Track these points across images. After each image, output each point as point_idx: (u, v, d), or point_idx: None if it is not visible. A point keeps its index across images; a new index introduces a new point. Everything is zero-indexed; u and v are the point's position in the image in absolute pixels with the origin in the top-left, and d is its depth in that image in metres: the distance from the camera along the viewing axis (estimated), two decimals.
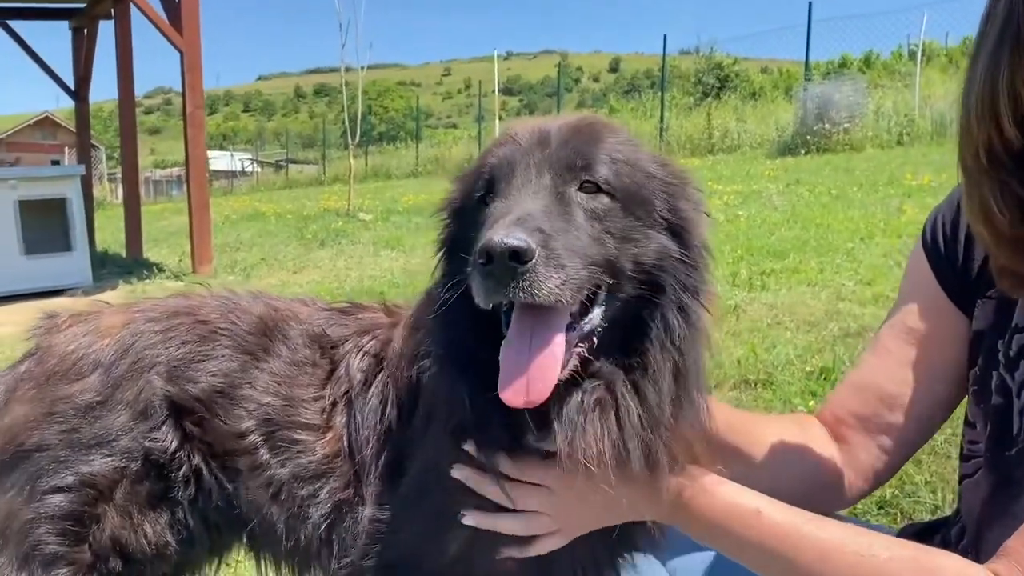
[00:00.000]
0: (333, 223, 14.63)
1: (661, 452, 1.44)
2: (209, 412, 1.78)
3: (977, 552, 1.46)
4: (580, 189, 1.41)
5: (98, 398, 1.76)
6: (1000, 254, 1.47)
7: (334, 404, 1.72)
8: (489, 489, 1.52)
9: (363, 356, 1.73)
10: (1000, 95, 1.35)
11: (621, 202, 1.42)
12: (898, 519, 3.15)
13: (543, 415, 1.39)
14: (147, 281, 10.60)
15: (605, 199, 1.41)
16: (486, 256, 1.22)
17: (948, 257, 1.75)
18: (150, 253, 13.47)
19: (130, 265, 12.20)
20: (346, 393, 1.72)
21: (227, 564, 3.02)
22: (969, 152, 1.44)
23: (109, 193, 37.79)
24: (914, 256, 1.84)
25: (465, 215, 1.51)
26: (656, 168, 1.49)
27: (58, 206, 10.66)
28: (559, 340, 1.34)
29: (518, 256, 1.22)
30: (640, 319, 1.43)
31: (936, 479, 3.36)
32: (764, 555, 1.47)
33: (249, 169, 60.76)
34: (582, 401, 1.40)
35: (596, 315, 1.40)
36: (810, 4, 21.66)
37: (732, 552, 1.54)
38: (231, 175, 55.66)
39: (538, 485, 1.52)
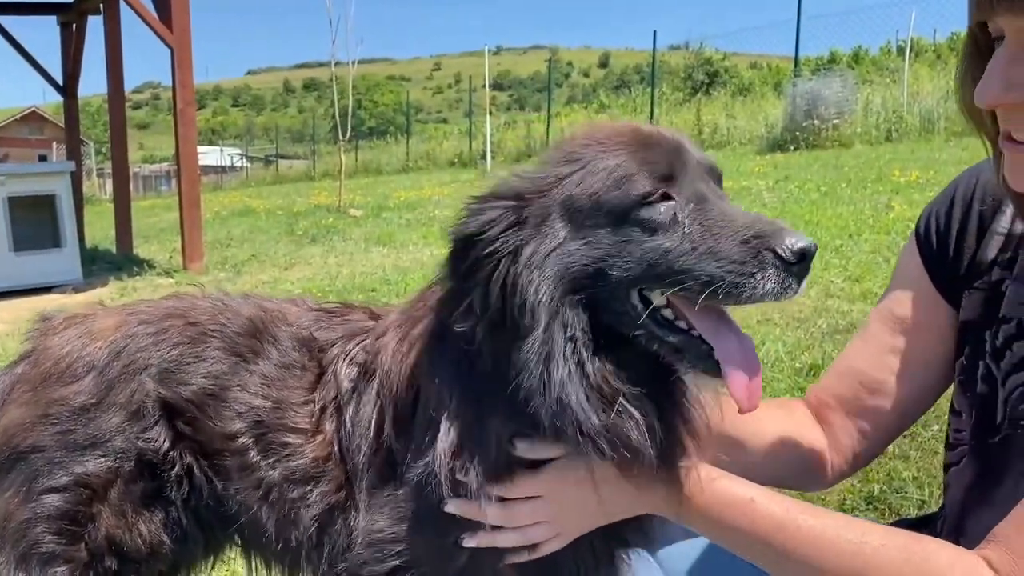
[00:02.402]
0: (324, 219, 14.60)
1: (688, 449, 1.50)
2: (200, 413, 1.78)
3: (958, 538, 1.49)
4: None
5: (92, 400, 1.78)
6: None
7: (323, 409, 1.72)
8: (484, 514, 1.53)
9: (350, 363, 1.72)
10: (970, 103, 1.44)
11: None
12: (886, 514, 3.19)
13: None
14: (137, 278, 10.55)
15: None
16: (802, 256, 1.32)
17: (939, 249, 1.79)
18: (140, 249, 13.41)
19: (120, 261, 12.14)
20: (335, 398, 1.71)
21: (223, 562, 3.05)
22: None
23: (98, 189, 37.61)
24: (907, 248, 1.89)
25: (599, 217, 1.41)
26: None
27: (47, 203, 10.58)
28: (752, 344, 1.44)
29: (814, 255, 1.35)
30: None
31: (924, 475, 3.41)
32: (757, 544, 1.50)
33: (239, 164, 60.53)
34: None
35: None
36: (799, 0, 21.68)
37: (725, 541, 1.56)
38: (220, 170, 55.46)
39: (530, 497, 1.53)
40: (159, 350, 1.81)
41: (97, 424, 1.77)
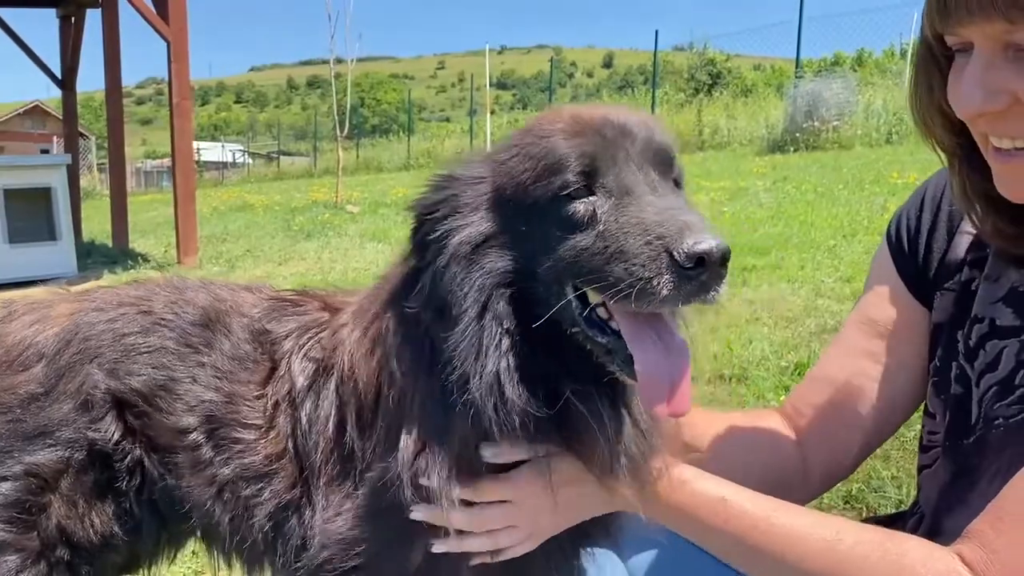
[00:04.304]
0: (320, 215, 14.58)
1: (656, 454, 1.47)
2: (150, 406, 1.75)
3: (935, 539, 1.47)
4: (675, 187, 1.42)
5: (40, 389, 1.75)
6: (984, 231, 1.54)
7: (276, 404, 1.68)
8: (451, 520, 1.49)
9: (304, 359, 1.68)
10: (927, 113, 1.48)
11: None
12: (863, 513, 3.16)
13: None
14: (132, 271, 10.53)
15: (681, 194, 1.44)
16: (700, 262, 1.20)
17: (910, 251, 1.78)
18: (137, 243, 13.39)
19: (115, 255, 12.12)
20: (288, 393, 1.67)
21: (194, 553, 3.03)
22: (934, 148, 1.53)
23: (99, 183, 37.53)
24: (879, 252, 1.88)
25: (524, 209, 1.38)
26: None
27: (43, 195, 10.58)
28: (687, 347, 1.35)
29: (727, 260, 1.23)
30: None
31: (903, 474, 3.38)
32: (731, 543, 1.49)
33: (240, 160, 60.55)
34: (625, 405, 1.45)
35: None
36: (801, 1, 21.64)
37: (699, 539, 1.55)
38: (222, 166, 55.47)
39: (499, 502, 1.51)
40: (110, 339, 1.79)
41: (47, 414, 1.75)
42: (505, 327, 1.37)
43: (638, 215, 1.29)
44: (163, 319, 1.80)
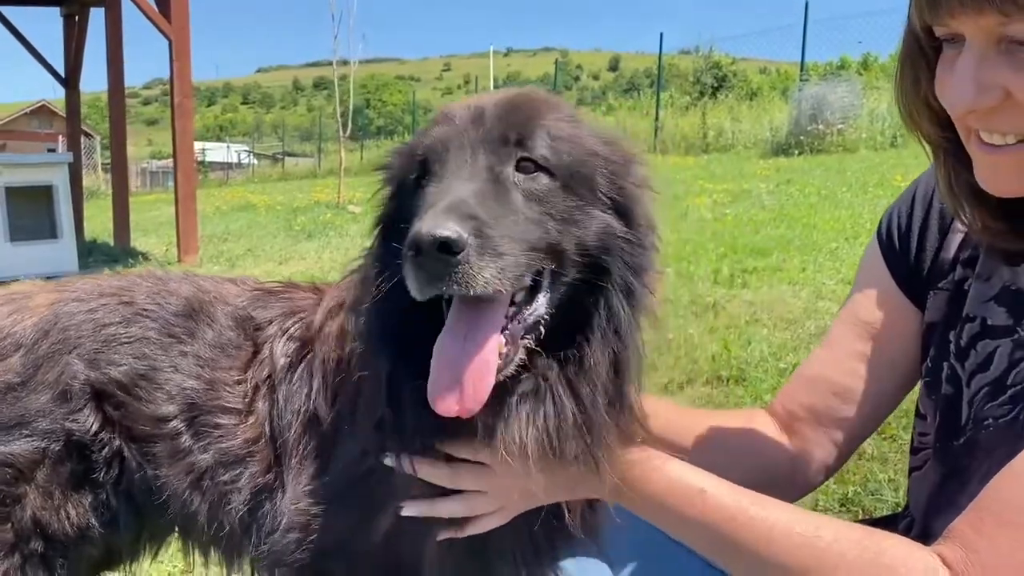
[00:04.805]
0: (322, 215, 14.59)
1: (597, 448, 1.40)
2: (130, 396, 1.74)
3: (926, 542, 1.44)
4: (518, 169, 1.35)
5: (18, 379, 1.73)
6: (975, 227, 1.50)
7: (256, 388, 1.68)
8: (428, 471, 1.47)
9: (287, 340, 1.69)
10: (913, 106, 1.46)
11: (561, 181, 1.36)
12: (859, 516, 3.13)
13: None
14: (132, 269, 10.55)
15: (544, 178, 1.35)
16: (415, 248, 1.17)
17: (902, 250, 1.75)
18: (138, 242, 13.42)
19: (117, 254, 12.15)
20: (268, 377, 1.68)
21: (177, 552, 3.00)
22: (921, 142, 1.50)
23: (104, 183, 37.60)
24: (869, 250, 1.85)
25: (403, 195, 1.46)
26: (599, 145, 1.44)
27: (45, 193, 10.59)
28: (493, 341, 1.29)
29: (448, 247, 1.16)
30: (584, 305, 1.38)
31: (900, 477, 3.34)
32: (707, 535, 1.45)
33: (245, 161, 60.69)
34: (511, 395, 1.36)
35: (541, 303, 1.35)
36: (806, 4, 21.63)
37: (675, 531, 1.51)
38: (227, 167, 55.62)
39: (476, 463, 1.47)
40: (89, 328, 1.77)
41: (24, 404, 1.73)
42: (385, 307, 1.40)
43: (424, 201, 1.32)
44: (145, 309, 1.79)
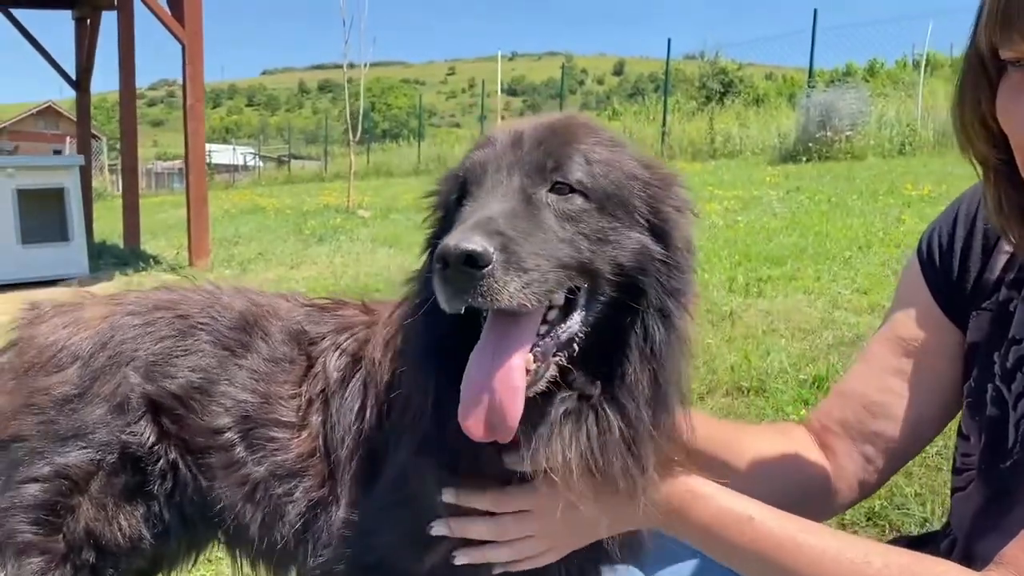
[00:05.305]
0: (332, 219, 14.61)
1: (641, 465, 1.41)
2: (186, 408, 1.76)
3: (969, 565, 1.45)
4: (552, 191, 1.37)
5: (75, 391, 1.75)
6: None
7: (310, 402, 1.70)
8: (473, 530, 1.50)
9: (340, 354, 1.71)
10: (970, 126, 1.44)
11: (597, 203, 1.38)
12: (887, 531, 3.13)
13: None
14: (143, 273, 10.56)
15: (578, 199, 1.37)
16: (443, 261, 1.20)
17: (943, 269, 1.75)
18: (148, 245, 13.42)
19: (127, 256, 12.16)
20: (323, 391, 1.70)
21: (208, 560, 3.02)
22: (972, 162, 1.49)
23: (111, 184, 37.68)
24: (909, 268, 1.84)
25: (447, 217, 1.49)
26: (638, 169, 1.45)
27: (56, 196, 10.61)
28: (518, 358, 1.30)
29: (474, 261, 1.19)
30: (620, 326, 1.39)
31: (927, 491, 3.34)
32: (757, 562, 1.46)
33: (251, 163, 60.76)
34: (552, 413, 1.37)
35: (575, 321, 1.36)
36: (815, 11, 21.63)
37: (725, 558, 1.52)
38: (232, 169, 55.68)
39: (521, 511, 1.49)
40: (146, 342, 1.79)
41: (80, 416, 1.75)
42: (431, 322, 1.42)
43: (458, 219, 1.36)
44: (200, 323, 1.81)
